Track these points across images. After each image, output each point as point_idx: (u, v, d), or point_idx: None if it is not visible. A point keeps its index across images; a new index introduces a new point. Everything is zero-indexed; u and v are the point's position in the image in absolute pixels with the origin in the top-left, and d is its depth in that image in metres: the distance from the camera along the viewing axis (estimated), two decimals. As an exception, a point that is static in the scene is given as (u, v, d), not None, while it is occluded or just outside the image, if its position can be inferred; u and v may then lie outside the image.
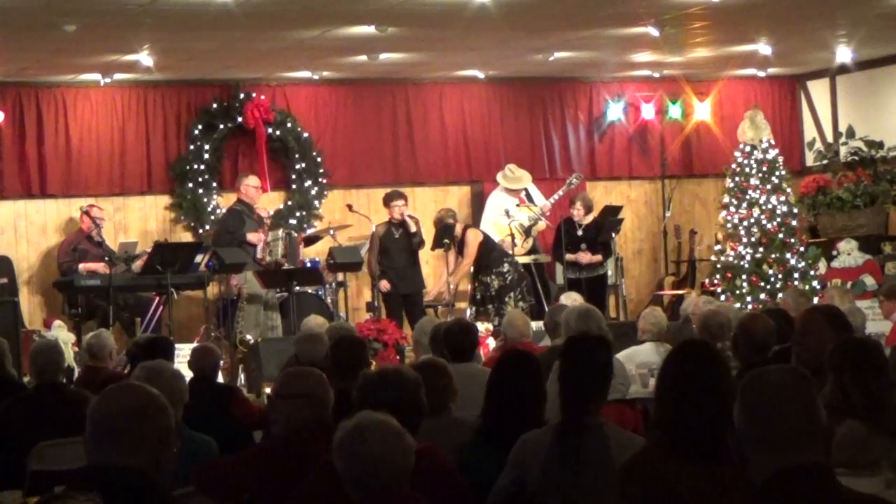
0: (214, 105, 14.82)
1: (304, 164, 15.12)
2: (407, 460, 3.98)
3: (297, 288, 12.90)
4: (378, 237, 13.81)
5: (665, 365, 4.38)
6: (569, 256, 14.20)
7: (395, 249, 13.81)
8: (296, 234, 14.04)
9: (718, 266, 14.45)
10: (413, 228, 13.82)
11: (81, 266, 13.19)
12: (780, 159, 14.64)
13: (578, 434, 4.88)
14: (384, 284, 13.75)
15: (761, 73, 16.78)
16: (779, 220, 14.33)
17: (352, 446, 3.96)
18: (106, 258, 12.92)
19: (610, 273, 14.64)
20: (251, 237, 13.54)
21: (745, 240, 14.29)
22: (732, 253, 14.34)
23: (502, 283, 13.63)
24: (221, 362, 8.87)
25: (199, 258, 13.13)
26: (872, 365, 4.98)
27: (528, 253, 14.64)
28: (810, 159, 17.00)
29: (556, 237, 14.43)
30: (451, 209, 14.30)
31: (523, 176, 15.03)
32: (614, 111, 16.58)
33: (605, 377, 5.07)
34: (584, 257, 14.30)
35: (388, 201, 13.90)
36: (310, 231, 14.77)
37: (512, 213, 14.27)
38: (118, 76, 14.14)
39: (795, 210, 14.65)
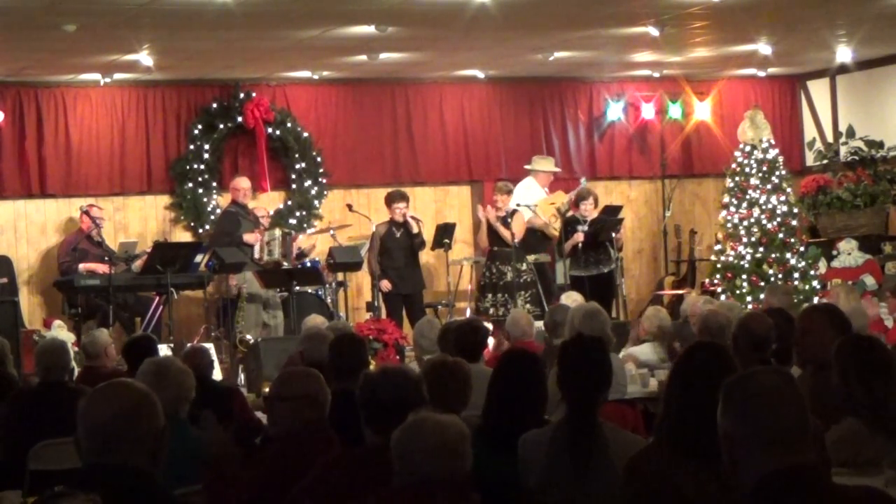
0: (214, 105, 14.81)
1: (303, 164, 15.11)
2: (464, 464, 4.08)
3: (297, 288, 12.90)
4: (378, 237, 13.81)
5: (676, 365, 4.39)
6: (568, 243, 14.11)
7: (395, 249, 13.81)
8: (291, 234, 14.02)
9: (718, 266, 14.44)
10: (415, 229, 13.82)
11: (81, 266, 13.18)
12: (781, 159, 14.63)
13: (577, 434, 4.88)
14: (385, 284, 13.75)
15: (761, 73, 16.77)
16: (779, 219, 14.32)
17: (424, 435, 4.06)
18: (106, 258, 12.92)
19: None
20: (247, 238, 13.54)
21: (745, 240, 14.27)
22: (732, 253, 14.32)
23: (515, 277, 13.64)
24: (216, 361, 8.84)
25: (199, 258, 13.12)
26: (878, 363, 4.97)
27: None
28: (810, 159, 17.00)
29: (560, 236, 14.39)
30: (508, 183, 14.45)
31: (550, 160, 15.17)
32: (614, 111, 16.57)
33: (603, 378, 5.07)
34: (579, 237, 14.14)
35: (389, 202, 13.89)
36: (309, 231, 14.76)
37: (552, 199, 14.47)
38: (118, 76, 14.13)
39: (795, 210, 14.64)
